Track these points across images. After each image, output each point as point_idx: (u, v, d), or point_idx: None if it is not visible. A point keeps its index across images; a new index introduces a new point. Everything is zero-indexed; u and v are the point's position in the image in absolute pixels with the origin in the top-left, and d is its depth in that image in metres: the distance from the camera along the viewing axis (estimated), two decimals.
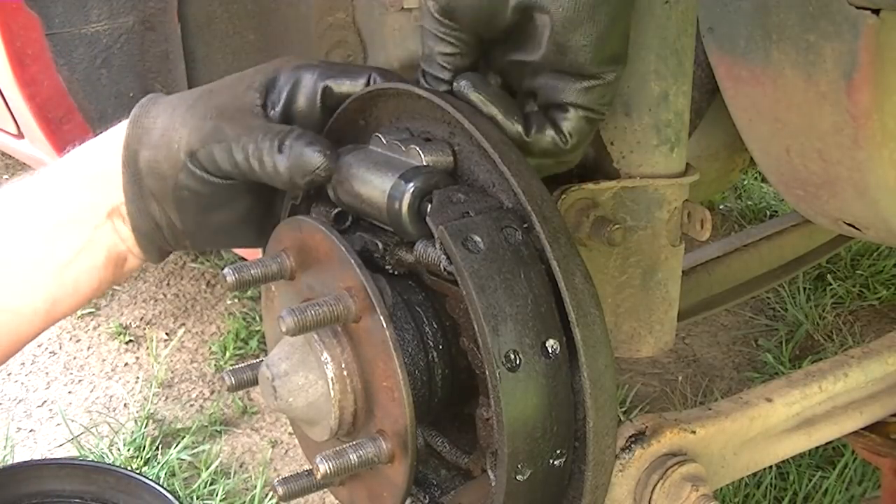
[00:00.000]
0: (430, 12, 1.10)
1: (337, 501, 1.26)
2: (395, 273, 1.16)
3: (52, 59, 1.89)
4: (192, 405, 2.99)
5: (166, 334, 3.28)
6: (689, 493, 1.19)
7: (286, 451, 2.82)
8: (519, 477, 1.01)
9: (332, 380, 1.09)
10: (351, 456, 1.05)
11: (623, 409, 2.84)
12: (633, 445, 1.19)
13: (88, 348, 3.24)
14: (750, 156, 1.53)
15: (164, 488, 2.13)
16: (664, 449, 1.21)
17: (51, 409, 2.97)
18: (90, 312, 3.38)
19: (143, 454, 2.73)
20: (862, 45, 1.21)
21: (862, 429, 1.48)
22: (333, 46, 2.11)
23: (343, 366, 1.09)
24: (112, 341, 3.26)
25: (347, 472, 1.06)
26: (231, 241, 1.32)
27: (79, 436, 2.80)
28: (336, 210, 1.19)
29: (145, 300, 3.47)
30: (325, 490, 1.22)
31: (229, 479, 2.65)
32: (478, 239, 1.01)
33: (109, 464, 2.57)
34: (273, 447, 2.81)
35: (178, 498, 2.17)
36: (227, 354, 3.16)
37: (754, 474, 2.50)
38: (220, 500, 2.58)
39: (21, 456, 2.77)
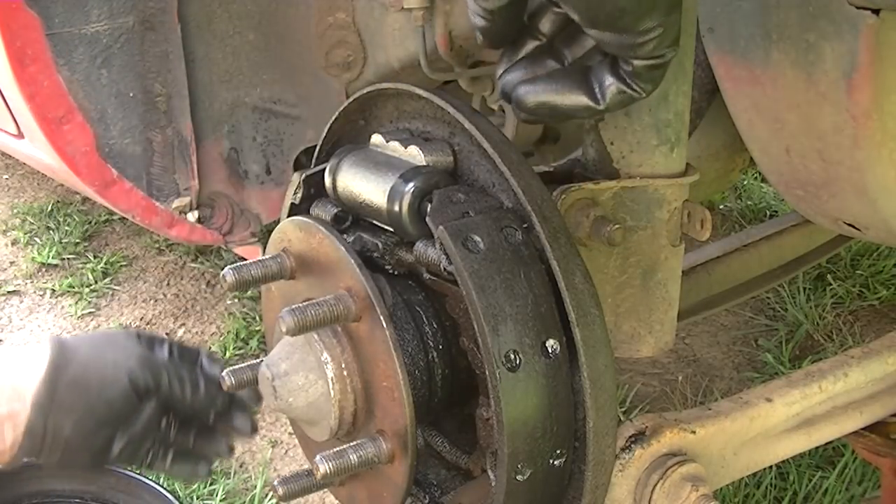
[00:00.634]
0: None
1: (337, 501, 1.26)
2: (395, 273, 1.16)
3: (52, 59, 1.88)
4: None
5: (166, 334, 3.27)
6: (689, 493, 1.19)
7: (286, 451, 2.81)
8: (519, 477, 1.01)
9: (332, 380, 1.09)
10: (351, 456, 1.05)
11: (623, 409, 2.84)
12: (633, 445, 1.19)
13: None
14: (750, 156, 1.53)
15: (164, 488, 2.13)
16: (664, 449, 1.21)
17: None
18: (90, 312, 3.38)
19: None
20: (862, 45, 1.21)
21: (862, 429, 1.48)
22: (333, 46, 2.11)
23: (343, 366, 1.09)
24: None
25: (347, 472, 1.06)
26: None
27: None
28: (336, 210, 1.19)
29: (145, 300, 3.46)
30: (325, 490, 1.22)
31: (229, 479, 2.65)
32: (478, 239, 1.01)
33: None
34: (273, 447, 2.80)
35: (178, 498, 2.17)
36: (227, 354, 3.16)
37: (754, 474, 2.49)
38: (220, 500, 2.57)
39: None
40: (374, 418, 1.09)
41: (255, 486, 2.62)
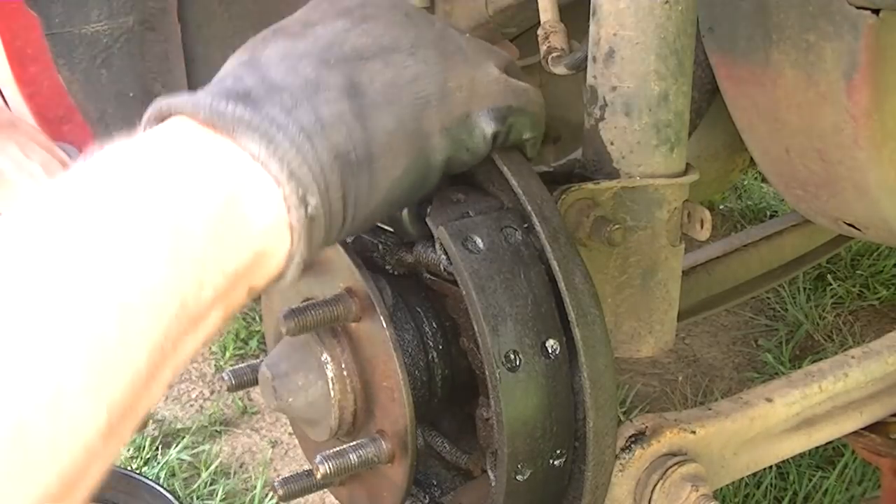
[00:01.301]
0: None
1: (337, 501, 1.26)
2: (395, 273, 1.16)
3: (52, 59, 1.89)
4: (191, 405, 2.99)
5: None
6: (689, 493, 1.19)
7: (286, 451, 2.82)
8: (519, 477, 1.01)
9: (331, 380, 1.09)
10: (351, 456, 1.05)
11: (623, 409, 2.84)
12: (633, 445, 1.19)
13: None
14: (750, 156, 1.53)
15: (164, 488, 2.13)
16: (664, 449, 1.21)
17: None
18: None
19: (142, 454, 2.73)
20: (862, 45, 1.21)
21: (862, 429, 1.48)
22: None
23: (343, 366, 1.09)
24: None
25: (347, 472, 1.06)
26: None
27: None
28: None
29: None
30: (325, 490, 1.22)
31: (229, 479, 2.65)
32: (477, 239, 1.01)
33: None
34: (273, 447, 2.81)
35: (178, 498, 2.17)
36: (227, 354, 3.16)
37: (754, 474, 2.49)
38: (220, 500, 2.58)
39: None
40: (374, 418, 1.09)
41: (255, 487, 2.62)
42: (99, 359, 0.66)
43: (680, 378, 3.04)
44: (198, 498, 2.59)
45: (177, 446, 2.74)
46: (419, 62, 0.90)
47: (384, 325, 1.03)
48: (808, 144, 1.37)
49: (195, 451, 2.75)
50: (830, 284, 3.38)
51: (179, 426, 2.87)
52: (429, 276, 1.11)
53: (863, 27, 1.20)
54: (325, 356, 1.09)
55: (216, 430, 2.86)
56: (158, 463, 2.69)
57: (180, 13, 2.00)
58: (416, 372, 1.10)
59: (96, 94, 1.97)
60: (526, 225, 1.04)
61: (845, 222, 1.48)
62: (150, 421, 2.88)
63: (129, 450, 2.73)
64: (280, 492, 1.12)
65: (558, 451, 1.03)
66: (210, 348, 3.20)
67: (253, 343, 3.21)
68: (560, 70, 1.41)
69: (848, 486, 2.52)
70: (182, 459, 2.71)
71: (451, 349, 1.12)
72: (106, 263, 0.68)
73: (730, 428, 1.28)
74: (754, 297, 2.85)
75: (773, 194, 3.93)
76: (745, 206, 3.95)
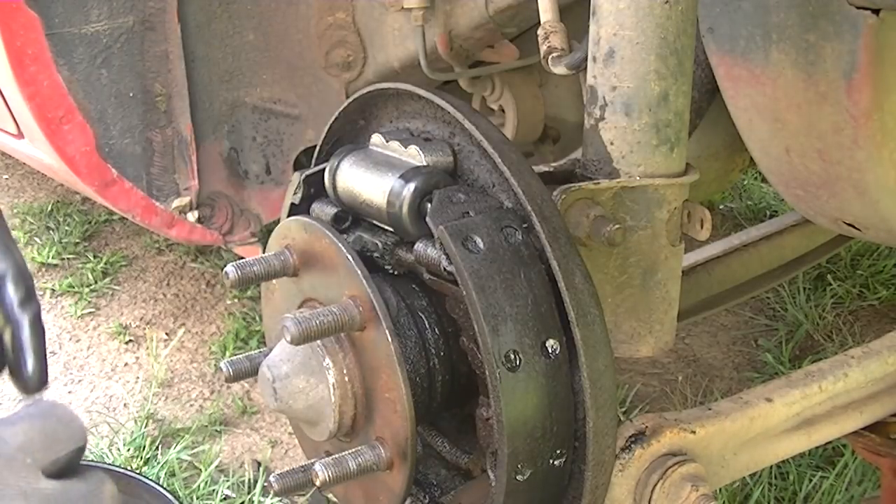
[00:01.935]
0: None
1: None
2: (395, 273, 1.16)
3: (52, 59, 1.88)
4: (191, 405, 2.99)
5: (166, 334, 3.27)
6: (689, 493, 1.19)
7: (286, 451, 2.81)
8: (519, 477, 1.01)
9: (333, 385, 1.08)
10: (350, 463, 1.05)
11: (623, 409, 2.84)
12: (633, 445, 1.19)
13: (88, 348, 3.24)
14: (750, 156, 1.53)
15: (164, 488, 2.13)
16: (664, 449, 1.21)
17: None
18: (90, 312, 3.38)
19: (142, 454, 2.73)
20: (862, 45, 1.21)
21: (862, 429, 1.47)
22: (333, 46, 2.11)
23: (345, 371, 1.08)
24: (112, 341, 3.26)
25: (346, 479, 1.06)
26: None
27: None
28: (336, 210, 1.19)
29: (145, 300, 3.46)
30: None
31: (229, 479, 2.65)
32: (478, 239, 1.01)
33: (109, 464, 2.57)
34: (273, 447, 2.80)
35: (178, 498, 2.17)
36: (227, 354, 3.16)
37: (754, 474, 2.49)
38: (220, 501, 2.57)
39: None
40: (374, 424, 1.09)
41: (255, 486, 2.62)
42: None
43: (680, 378, 3.04)
44: (198, 498, 2.59)
45: (177, 446, 2.74)
46: None
47: (389, 339, 1.03)
48: (808, 144, 1.37)
49: (195, 451, 2.75)
50: (830, 284, 3.38)
51: (179, 426, 2.86)
52: (429, 276, 1.10)
53: (863, 27, 1.20)
54: (328, 361, 1.08)
55: (216, 430, 2.86)
56: (158, 463, 2.69)
57: (180, 13, 2.00)
58: (417, 378, 1.10)
59: (96, 94, 1.97)
60: (526, 225, 1.04)
61: (845, 222, 1.48)
62: (151, 421, 2.88)
63: (129, 450, 2.73)
64: (276, 487, 1.12)
65: (558, 451, 1.03)
66: (210, 348, 3.19)
67: (253, 343, 3.21)
68: (560, 70, 1.41)
69: (848, 486, 2.51)
70: (182, 459, 2.70)
71: (451, 354, 1.12)
72: None
73: (730, 428, 1.28)
74: (754, 297, 2.85)
75: (773, 194, 3.93)
76: (745, 206, 3.95)
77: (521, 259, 1.01)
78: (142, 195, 2.05)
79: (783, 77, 1.32)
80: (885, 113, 1.28)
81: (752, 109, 1.41)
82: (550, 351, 1.00)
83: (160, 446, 2.79)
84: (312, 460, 1.09)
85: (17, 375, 1.06)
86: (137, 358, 3.20)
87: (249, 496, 2.58)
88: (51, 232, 3.85)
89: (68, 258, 3.69)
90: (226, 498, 2.59)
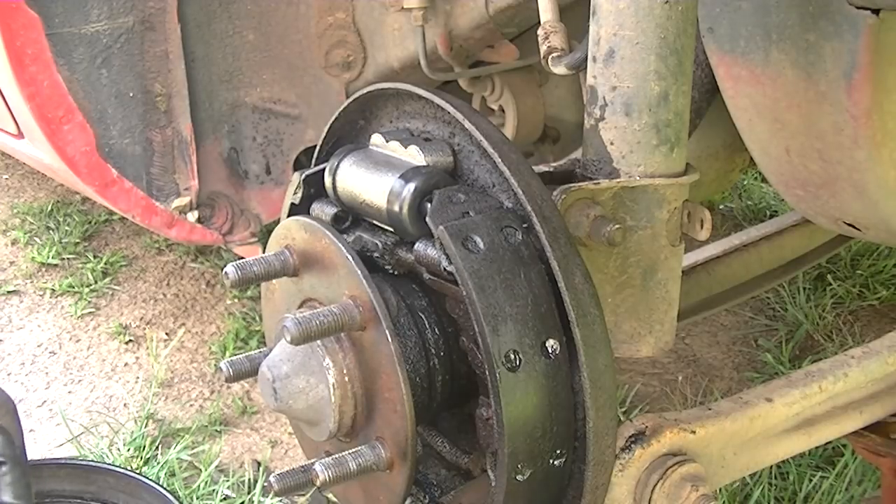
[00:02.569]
0: None
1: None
2: (395, 273, 1.16)
3: (52, 59, 1.88)
4: (192, 405, 2.99)
5: (166, 334, 3.27)
6: (689, 493, 1.19)
7: (286, 451, 2.81)
8: (519, 477, 1.01)
9: (333, 385, 1.08)
10: (350, 464, 1.05)
11: (623, 409, 2.84)
12: (633, 445, 1.19)
13: (88, 348, 3.24)
14: (750, 156, 1.53)
15: (164, 488, 2.12)
16: (664, 449, 1.21)
17: (50, 409, 2.96)
18: (90, 312, 3.38)
19: (142, 454, 2.73)
20: (862, 45, 1.21)
21: (862, 429, 1.47)
22: (333, 46, 2.11)
23: (345, 371, 1.08)
24: (112, 341, 3.26)
25: (346, 479, 1.06)
26: None
27: (79, 436, 2.80)
28: (336, 210, 1.19)
29: (145, 300, 3.46)
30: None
31: (229, 478, 2.65)
32: (478, 239, 1.01)
33: (109, 464, 2.57)
34: (273, 447, 2.80)
35: (178, 498, 2.17)
36: (227, 354, 3.16)
37: (754, 474, 2.49)
38: (220, 501, 2.57)
39: None
40: (374, 424, 1.09)
41: (255, 486, 2.62)
42: None
43: (680, 378, 3.04)
44: (198, 498, 2.59)
45: (177, 446, 2.74)
46: None
47: (389, 339, 1.03)
48: (808, 144, 1.37)
49: (195, 451, 2.75)
50: (830, 284, 3.38)
51: (179, 426, 2.86)
52: (429, 276, 1.10)
53: (863, 27, 1.20)
54: (328, 361, 1.08)
55: (216, 430, 2.86)
56: (158, 463, 2.69)
57: (180, 13, 2.00)
58: (417, 379, 1.09)
59: (96, 94, 1.97)
60: (526, 225, 1.04)
61: (845, 222, 1.48)
62: (151, 421, 2.88)
63: (129, 450, 2.74)
64: (276, 487, 1.12)
65: (558, 451, 1.03)
66: (210, 348, 3.20)
67: (253, 343, 3.21)
68: (560, 70, 1.41)
69: (848, 486, 2.51)
70: (182, 459, 2.70)
71: (451, 355, 1.11)
72: None
73: (730, 428, 1.28)
74: (754, 297, 2.85)
75: (773, 194, 3.93)
76: (745, 206, 3.95)
77: (521, 259, 1.01)
78: (142, 195, 2.05)
79: (783, 77, 1.32)
80: (885, 113, 1.28)
81: (752, 109, 1.41)
82: (550, 351, 1.00)
83: (160, 446, 2.79)
84: (312, 460, 1.09)
85: None
86: (137, 358, 3.20)
87: (249, 496, 2.58)
88: (51, 232, 3.85)
89: (68, 258, 3.69)
90: (226, 498, 2.59)
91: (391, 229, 1.13)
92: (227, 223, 2.20)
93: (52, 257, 3.67)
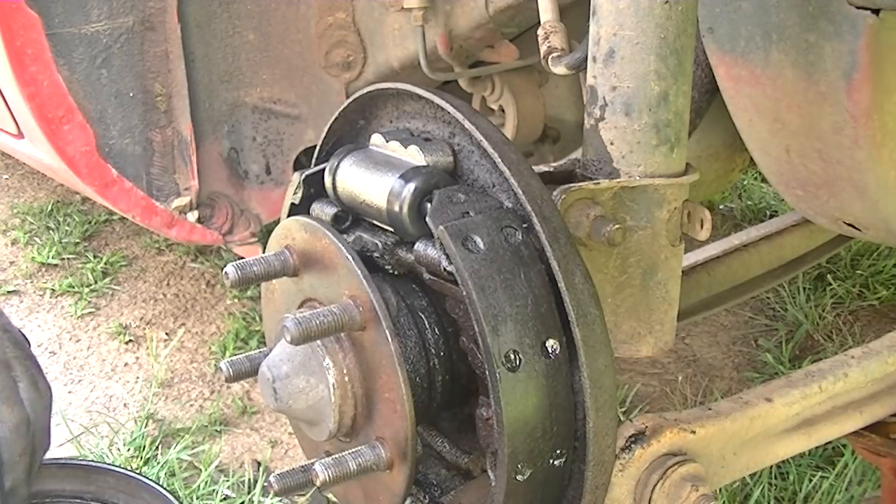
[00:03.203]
0: None
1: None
2: (395, 273, 1.16)
3: (52, 59, 1.89)
4: (192, 405, 2.99)
5: (166, 334, 3.27)
6: (689, 493, 1.19)
7: (286, 451, 2.81)
8: (519, 477, 1.01)
9: (333, 385, 1.08)
10: (350, 464, 1.05)
11: (623, 409, 2.84)
12: (633, 445, 1.19)
13: (88, 348, 3.24)
14: (750, 156, 1.53)
15: (164, 488, 2.12)
16: (664, 449, 1.21)
17: None
18: (90, 312, 3.38)
19: (142, 454, 2.73)
20: (862, 45, 1.21)
21: (862, 429, 1.48)
22: (333, 46, 2.11)
23: (345, 371, 1.08)
24: (112, 341, 3.26)
25: (346, 479, 1.06)
26: None
27: (79, 436, 2.80)
28: (336, 210, 1.19)
29: (145, 300, 3.46)
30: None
31: (229, 478, 2.65)
32: (478, 239, 1.01)
33: (109, 464, 2.57)
34: (273, 447, 2.80)
35: (178, 498, 2.17)
36: (227, 354, 3.16)
37: (754, 474, 2.49)
38: (220, 501, 2.57)
39: None
40: (374, 424, 1.09)
41: (255, 486, 2.62)
42: None
43: (680, 378, 3.04)
44: (198, 498, 2.59)
45: (177, 446, 2.74)
46: None
47: (389, 339, 1.03)
48: (808, 144, 1.37)
49: (195, 450, 2.75)
50: (830, 284, 3.38)
51: (179, 426, 2.86)
52: (429, 276, 1.11)
53: (863, 27, 1.20)
54: (328, 361, 1.08)
55: (216, 430, 2.86)
56: (158, 463, 2.69)
57: (180, 13, 2.00)
58: (417, 379, 1.10)
59: (96, 94, 1.97)
60: (526, 225, 1.04)
61: (845, 222, 1.48)
62: (151, 421, 2.88)
63: (129, 450, 2.74)
64: (276, 487, 1.12)
65: (558, 451, 1.03)
66: (210, 348, 3.20)
67: (253, 343, 3.21)
68: (560, 70, 1.41)
69: (848, 486, 2.51)
70: (182, 459, 2.70)
71: (451, 355, 1.12)
72: None
73: (730, 428, 1.28)
74: (754, 297, 2.85)
75: (773, 194, 3.93)
76: (745, 206, 3.95)
77: (521, 259, 1.01)
78: (142, 195, 2.05)
79: (783, 77, 1.32)
80: (885, 113, 1.28)
81: (752, 109, 1.41)
82: (550, 351, 1.00)
83: (160, 446, 2.79)
84: (312, 460, 1.09)
85: None
86: (137, 358, 3.20)
87: (249, 496, 2.58)
88: (51, 232, 3.85)
89: (68, 258, 3.69)
90: (226, 498, 2.59)
91: (391, 229, 1.13)
92: (227, 223, 2.20)
93: (52, 257, 3.67)
